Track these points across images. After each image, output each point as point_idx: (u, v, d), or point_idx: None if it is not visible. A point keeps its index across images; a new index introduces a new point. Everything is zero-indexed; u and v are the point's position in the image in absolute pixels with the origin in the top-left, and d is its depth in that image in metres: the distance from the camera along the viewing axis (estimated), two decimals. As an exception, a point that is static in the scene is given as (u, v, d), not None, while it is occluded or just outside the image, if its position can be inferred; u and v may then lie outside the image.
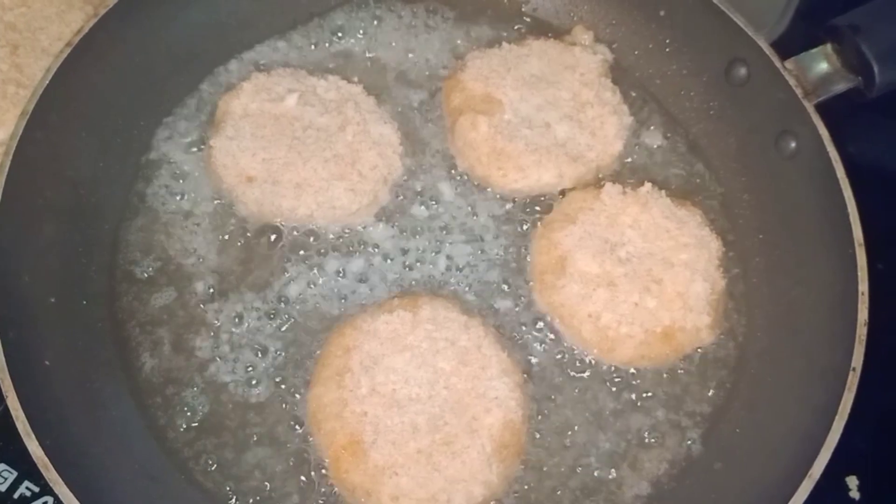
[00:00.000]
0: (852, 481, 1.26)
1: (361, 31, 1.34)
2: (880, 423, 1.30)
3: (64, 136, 1.12)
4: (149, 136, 1.24)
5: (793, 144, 1.17)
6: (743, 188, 1.25)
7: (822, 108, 1.15)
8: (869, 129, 1.50)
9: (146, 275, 1.15)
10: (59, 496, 0.89)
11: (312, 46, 1.33)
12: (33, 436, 0.90)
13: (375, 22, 1.35)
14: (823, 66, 1.18)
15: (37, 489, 1.14)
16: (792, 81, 1.15)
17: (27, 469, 1.15)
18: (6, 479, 1.15)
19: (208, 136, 1.21)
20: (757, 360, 1.14)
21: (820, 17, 1.24)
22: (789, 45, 1.23)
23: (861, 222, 1.07)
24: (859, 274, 1.04)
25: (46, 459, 0.89)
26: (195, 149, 1.23)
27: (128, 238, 1.17)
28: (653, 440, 1.11)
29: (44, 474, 0.89)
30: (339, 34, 1.34)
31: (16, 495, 1.13)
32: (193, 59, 1.27)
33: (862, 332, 1.01)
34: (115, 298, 1.14)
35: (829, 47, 1.18)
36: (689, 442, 1.11)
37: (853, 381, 0.99)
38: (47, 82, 1.08)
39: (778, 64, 1.17)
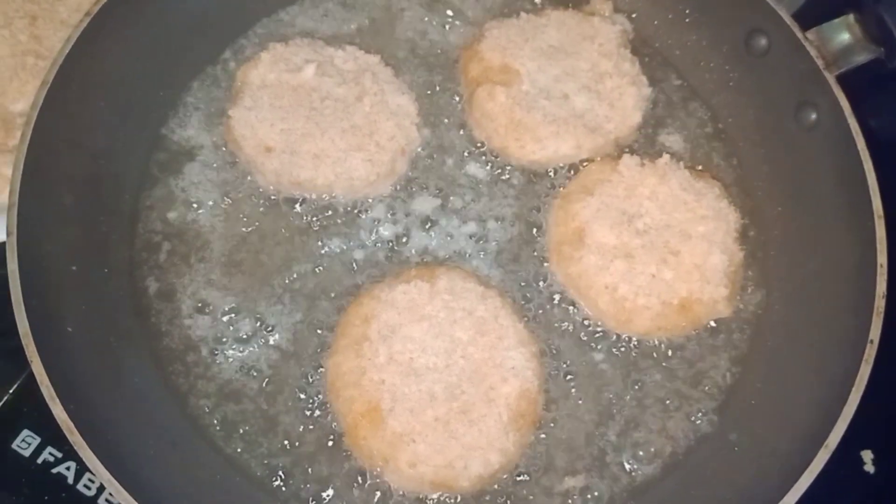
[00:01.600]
0: (867, 455, 1.27)
1: (380, 2, 1.34)
2: (896, 399, 1.30)
3: (84, 106, 1.12)
4: (168, 106, 1.24)
5: (813, 116, 1.16)
6: (762, 160, 1.25)
7: (843, 81, 1.14)
8: (892, 102, 1.48)
9: (166, 244, 1.16)
10: (84, 460, 0.90)
11: (330, 16, 1.32)
12: (58, 400, 0.91)
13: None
14: (845, 37, 1.16)
15: (60, 454, 1.16)
16: (813, 52, 1.14)
17: (50, 435, 1.17)
18: (30, 444, 1.17)
19: (227, 107, 1.21)
20: (774, 333, 1.14)
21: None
22: (810, 16, 1.22)
23: (882, 195, 1.06)
24: (878, 246, 1.04)
25: (71, 423, 0.91)
26: (214, 119, 1.24)
27: (147, 207, 1.18)
28: (668, 411, 1.11)
29: (68, 438, 0.90)
30: (358, 4, 1.33)
31: (39, 460, 1.16)
32: (212, 30, 1.27)
33: (880, 304, 1.01)
34: (135, 267, 1.15)
35: (850, 17, 1.17)
36: (705, 413, 1.12)
37: (871, 353, 0.99)
38: (67, 52, 1.08)
39: (798, 34, 1.16)
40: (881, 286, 1.02)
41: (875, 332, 1.00)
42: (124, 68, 1.17)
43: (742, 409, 1.11)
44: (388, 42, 1.31)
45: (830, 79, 1.13)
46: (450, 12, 1.34)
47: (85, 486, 1.15)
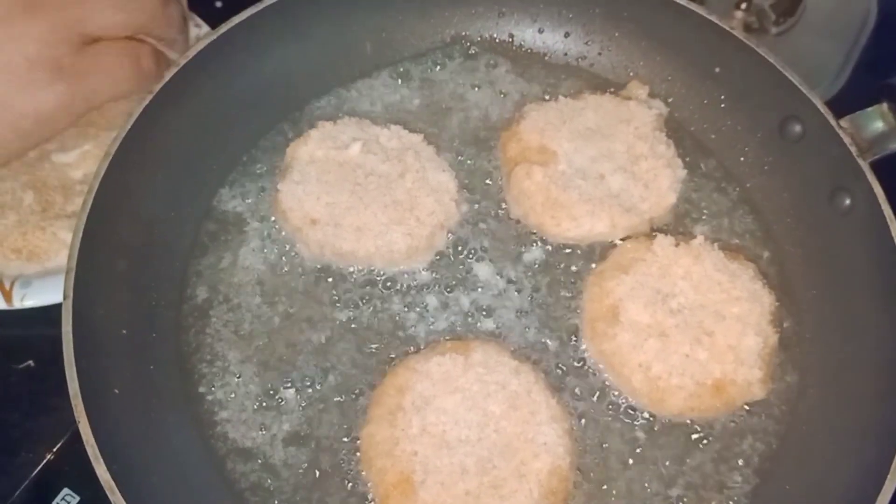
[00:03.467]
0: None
1: (423, 83, 1.40)
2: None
3: (142, 177, 1.19)
4: (221, 179, 1.30)
5: (847, 201, 1.18)
6: (796, 243, 1.26)
7: (877, 166, 1.16)
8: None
9: (212, 310, 1.21)
10: (124, 520, 0.93)
11: (376, 97, 1.39)
12: (101, 460, 0.95)
13: (438, 72, 1.41)
14: (879, 125, 1.18)
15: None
16: (847, 139, 1.16)
17: (90, 495, 1.20)
18: (69, 503, 1.20)
19: (276, 181, 1.26)
20: (808, 417, 1.13)
21: (877, 75, 1.26)
22: (845, 103, 1.24)
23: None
24: (914, 332, 1.04)
25: (113, 483, 0.94)
26: (263, 193, 1.29)
27: (196, 274, 1.23)
28: (700, 495, 1.10)
29: (110, 498, 0.93)
30: (403, 84, 1.40)
31: (76, 520, 1.19)
32: (266, 108, 1.34)
33: (917, 391, 1.01)
34: (181, 332, 1.19)
35: (884, 106, 1.19)
36: (738, 498, 1.10)
37: (906, 440, 0.98)
38: (129, 126, 1.15)
39: (832, 122, 1.18)
40: (917, 372, 1.02)
41: (910, 420, 0.99)
42: (181, 142, 1.24)
43: (776, 494, 1.09)
44: (431, 122, 1.36)
45: (864, 165, 1.15)
46: (492, 94, 1.39)
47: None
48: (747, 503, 1.10)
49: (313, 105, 1.37)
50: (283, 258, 1.24)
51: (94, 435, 0.96)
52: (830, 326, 1.18)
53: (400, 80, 1.40)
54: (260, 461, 1.11)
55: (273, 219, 1.27)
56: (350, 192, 1.23)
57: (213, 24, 1.35)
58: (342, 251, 1.21)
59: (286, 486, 1.10)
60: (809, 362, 1.18)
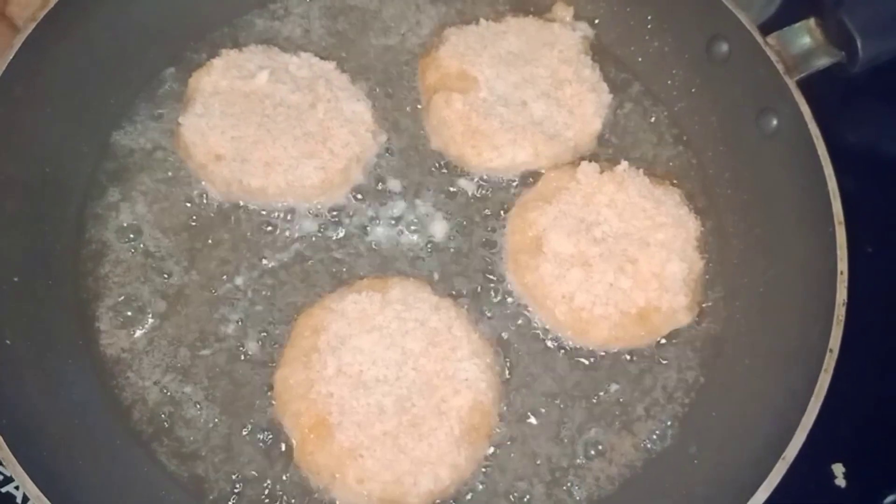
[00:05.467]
0: (838, 469, 1.25)
1: (335, 5, 1.32)
2: (867, 411, 1.28)
3: (29, 111, 1.10)
4: (118, 113, 1.21)
5: (774, 122, 1.15)
6: (724, 167, 1.23)
7: (806, 88, 1.12)
8: (857, 111, 1.47)
9: (112, 254, 1.13)
10: (13, 475, 0.87)
11: (284, 22, 1.30)
12: (-11, 413, 0.89)
13: (350, -1, 1.33)
14: (806, 41, 1.15)
15: (8, 473, 1.12)
16: (773, 57, 1.12)
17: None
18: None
19: (178, 114, 1.18)
20: (734, 342, 1.12)
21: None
22: (775, 22, 1.21)
23: (845, 204, 1.04)
24: (839, 252, 1.01)
25: (0, 438, 0.88)
26: (164, 127, 1.21)
27: (94, 216, 1.15)
28: (626, 423, 1.09)
29: (-2, 455, 0.88)
30: (313, 7, 1.31)
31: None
32: (164, 36, 1.25)
33: (840, 312, 0.99)
34: (79, 277, 1.12)
35: (812, 22, 1.15)
36: (664, 425, 1.09)
37: (830, 362, 0.96)
38: (11, 56, 1.05)
39: (759, 39, 1.14)
40: (841, 294, 1.00)
41: (835, 342, 0.97)
42: (73, 74, 1.15)
43: (702, 420, 1.08)
44: (343, 48, 1.29)
45: (791, 84, 1.12)
46: (409, 17, 1.32)
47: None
48: (674, 431, 1.09)
49: (216, 32, 1.28)
50: (188, 197, 1.17)
51: (-20, 386, 0.90)
52: (756, 250, 1.15)
53: (310, 3, 1.32)
54: (168, 411, 1.05)
55: (175, 155, 1.19)
56: (258, 124, 1.16)
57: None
58: (251, 188, 1.14)
59: (196, 434, 1.05)
60: (735, 288, 1.16)
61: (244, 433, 1.05)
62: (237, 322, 1.11)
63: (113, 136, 1.20)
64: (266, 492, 1.03)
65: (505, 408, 1.08)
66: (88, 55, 1.17)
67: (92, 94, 1.18)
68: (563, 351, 1.11)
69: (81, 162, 1.17)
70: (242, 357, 1.09)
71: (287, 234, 1.16)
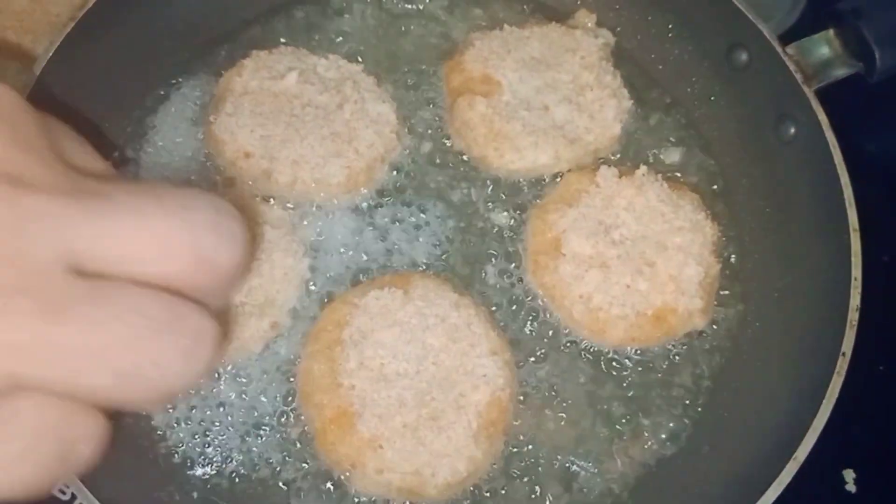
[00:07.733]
0: (849, 475, 1.26)
1: (365, 12, 1.35)
2: (880, 417, 1.30)
3: (62, 112, 1.12)
4: (151, 113, 1.24)
5: (792, 129, 1.16)
6: (741, 173, 1.24)
7: (823, 95, 1.14)
8: (875, 121, 1.49)
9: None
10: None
11: (315, 25, 1.33)
12: None
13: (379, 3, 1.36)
14: (824, 51, 1.16)
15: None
16: (792, 66, 1.14)
17: None
18: None
19: (209, 114, 1.21)
20: (749, 345, 1.14)
21: (829, 5, 1.23)
22: (798, 35, 1.22)
23: (857, 209, 1.06)
24: (853, 259, 1.03)
25: None
26: (195, 127, 1.24)
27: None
28: (641, 423, 1.11)
29: None
30: (343, 13, 1.34)
31: None
32: (197, 37, 1.28)
33: (854, 316, 1.00)
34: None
35: (830, 32, 1.17)
36: (678, 425, 1.11)
37: (843, 365, 0.98)
38: (48, 57, 1.09)
39: (778, 48, 1.16)
40: (855, 299, 1.01)
41: (848, 345, 0.99)
42: (105, 75, 1.18)
43: (715, 421, 1.10)
44: (372, 52, 1.32)
45: (809, 92, 1.13)
46: (435, 23, 1.35)
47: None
48: (688, 433, 1.11)
49: (247, 33, 1.32)
50: (217, 193, 1.20)
51: None
52: (773, 255, 1.17)
53: (339, 8, 1.35)
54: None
55: (206, 153, 1.22)
56: (286, 123, 1.19)
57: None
58: (278, 185, 1.17)
59: (218, 416, 1.08)
60: (751, 292, 1.17)
61: (265, 417, 1.08)
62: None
63: (144, 137, 1.23)
64: (285, 479, 1.05)
65: (521, 404, 1.10)
66: (121, 55, 1.19)
67: (125, 94, 1.22)
68: (579, 350, 1.14)
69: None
70: (268, 352, 1.11)
71: (310, 232, 1.18)
